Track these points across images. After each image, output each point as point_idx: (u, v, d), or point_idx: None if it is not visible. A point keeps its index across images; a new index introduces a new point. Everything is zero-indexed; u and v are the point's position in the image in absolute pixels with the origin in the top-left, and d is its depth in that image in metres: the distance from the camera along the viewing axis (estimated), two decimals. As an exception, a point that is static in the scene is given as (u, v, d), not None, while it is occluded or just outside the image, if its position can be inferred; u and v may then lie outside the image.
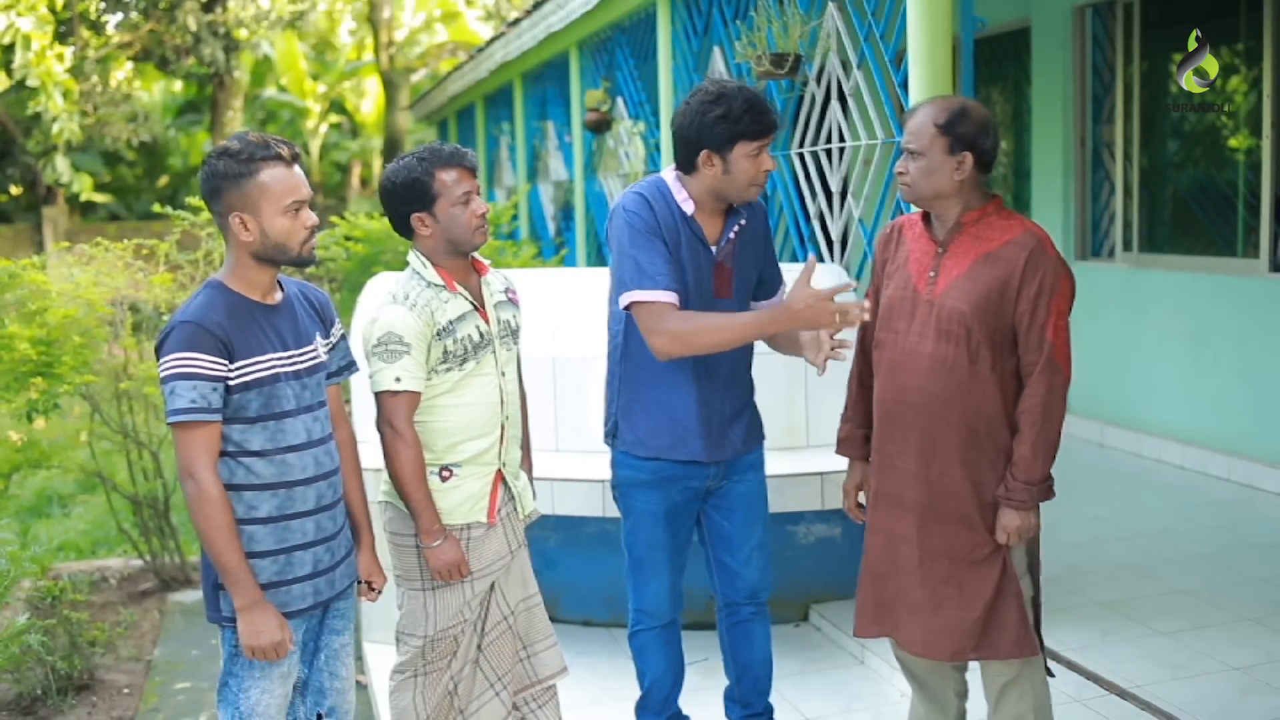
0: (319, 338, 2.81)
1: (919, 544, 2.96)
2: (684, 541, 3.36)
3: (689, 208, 3.15)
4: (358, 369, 3.00)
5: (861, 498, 3.23)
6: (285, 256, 2.67)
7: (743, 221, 3.22)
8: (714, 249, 3.19)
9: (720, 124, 3.04)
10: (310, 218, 2.67)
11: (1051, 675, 3.11)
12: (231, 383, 2.58)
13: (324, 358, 2.81)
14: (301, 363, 2.72)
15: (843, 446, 3.25)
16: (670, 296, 3.06)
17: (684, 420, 3.21)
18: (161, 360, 2.57)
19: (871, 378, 3.10)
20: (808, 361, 3.18)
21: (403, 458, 2.95)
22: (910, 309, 2.96)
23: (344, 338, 2.93)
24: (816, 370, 3.15)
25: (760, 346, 3.31)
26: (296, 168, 2.67)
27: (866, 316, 2.87)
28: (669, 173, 3.23)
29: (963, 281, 2.87)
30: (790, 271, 3.33)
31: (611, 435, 3.34)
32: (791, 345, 3.26)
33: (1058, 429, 2.87)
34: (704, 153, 3.09)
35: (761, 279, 3.34)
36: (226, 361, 2.57)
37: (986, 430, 2.89)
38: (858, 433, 3.20)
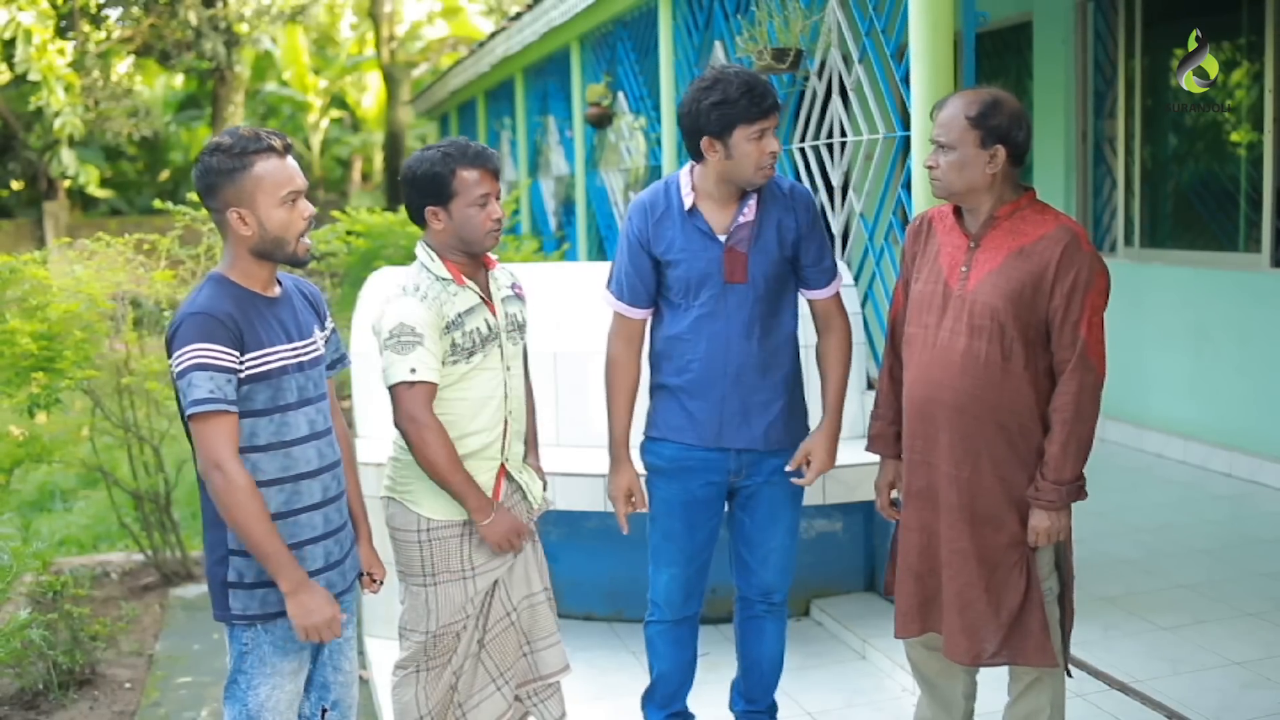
0: (317, 330, 2.80)
1: (951, 543, 2.91)
2: (703, 539, 3.33)
3: (689, 200, 3.17)
4: (349, 363, 2.97)
5: (895, 494, 3.18)
6: (283, 251, 2.64)
7: (751, 204, 3.15)
8: (723, 236, 3.16)
9: (716, 110, 3.02)
10: (307, 208, 2.65)
11: (1070, 675, 3.08)
12: (241, 375, 2.57)
13: (323, 350, 2.81)
14: (305, 354, 2.71)
15: (874, 444, 3.18)
16: (624, 310, 3.26)
17: (694, 404, 3.21)
18: (175, 354, 2.53)
19: (902, 372, 3.04)
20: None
21: (433, 446, 2.91)
22: (941, 303, 2.90)
23: (335, 331, 2.92)
24: None
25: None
26: (290, 159, 2.65)
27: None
28: (687, 165, 3.24)
29: (995, 276, 2.82)
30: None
31: None
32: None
33: (1090, 428, 2.82)
34: (705, 139, 3.07)
35: (804, 263, 3.25)
36: (238, 353, 2.55)
37: (1019, 429, 2.84)
38: (889, 430, 3.13)
